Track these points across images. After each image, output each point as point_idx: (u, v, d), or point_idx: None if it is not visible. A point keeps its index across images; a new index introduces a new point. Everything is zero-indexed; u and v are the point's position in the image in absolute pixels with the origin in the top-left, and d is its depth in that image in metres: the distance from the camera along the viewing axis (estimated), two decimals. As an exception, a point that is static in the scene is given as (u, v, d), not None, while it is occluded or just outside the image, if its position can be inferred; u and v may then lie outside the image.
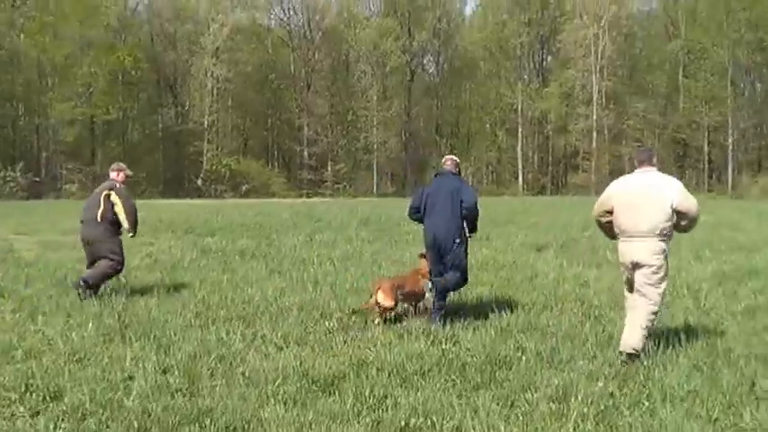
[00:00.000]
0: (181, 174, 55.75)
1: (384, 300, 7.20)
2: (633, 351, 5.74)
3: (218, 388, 4.92)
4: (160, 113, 57.95)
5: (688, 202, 5.95)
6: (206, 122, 54.80)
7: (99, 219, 8.72)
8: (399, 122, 60.84)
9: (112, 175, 9.25)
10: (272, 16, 62.30)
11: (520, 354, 5.76)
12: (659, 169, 6.29)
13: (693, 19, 61.21)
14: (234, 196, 50.02)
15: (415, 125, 63.33)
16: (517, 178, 61.11)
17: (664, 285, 6.04)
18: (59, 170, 50.64)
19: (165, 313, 7.39)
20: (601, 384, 4.86)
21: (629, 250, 5.98)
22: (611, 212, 6.18)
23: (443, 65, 64.73)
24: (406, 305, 7.75)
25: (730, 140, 58.01)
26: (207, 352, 5.77)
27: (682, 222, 6.03)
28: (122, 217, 8.78)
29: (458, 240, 7.37)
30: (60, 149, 51.00)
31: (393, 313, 7.38)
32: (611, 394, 4.71)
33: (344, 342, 6.22)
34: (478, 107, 63.48)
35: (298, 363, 5.47)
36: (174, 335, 6.37)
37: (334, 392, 4.84)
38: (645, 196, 5.97)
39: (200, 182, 53.77)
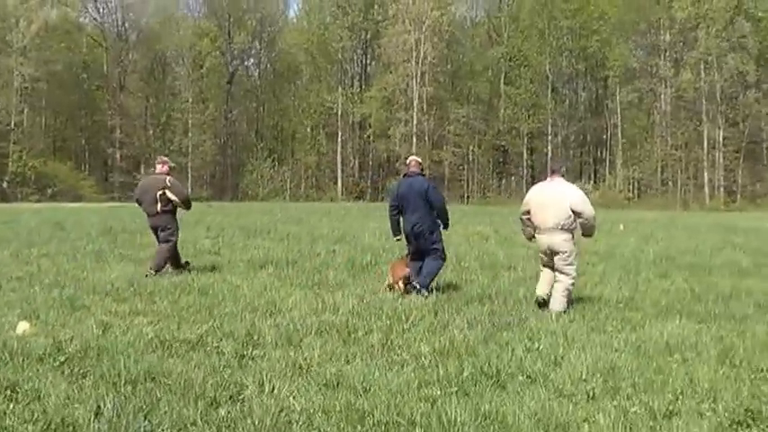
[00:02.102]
0: (-15, 176, 66.82)
1: (400, 273, 12.10)
2: (560, 312, 10.36)
3: None
4: (-38, 113, 69.71)
5: (583, 205, 10.58)
6: (12, 123, 67.99)
7: (160, 211, 13.81)
8: (218, 125, 78.18)
9: (158, 167, 14.28)
10: (86, 15, 78.26)
11: None
12: (565, 178, 11.03)
13: (516, 26, 79.86)
14: (40, 200, 60.81)
15: (234, 128, 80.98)
16: (336, 183, 78.12)
17: (575, 264, 10.90)
18: None
19: None
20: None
21: (544, 241, 10.77)
22: (529, 212, 10.99)
23: (265, 68, 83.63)
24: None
25: (549, 147, 77.98)
26: None
27: (579, 220, 10.63)
28: (182, 206, 14.10)
29: (432, 230, 12.01)
30: None
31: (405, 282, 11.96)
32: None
33: None
34: (300, 110, 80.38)
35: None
36: None
37: None
38: (551, 199, 10.65)
39: (5, 184, 66.76)
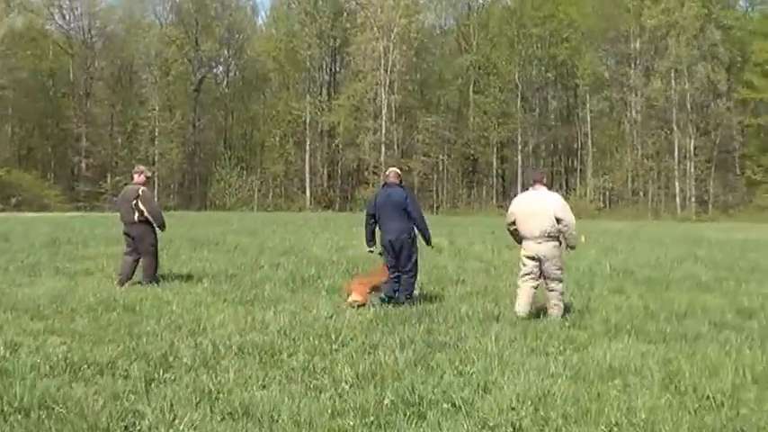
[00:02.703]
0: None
1: (357, 297, 11.79)
2: (560, 318, 10.76)
3: None
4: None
5: (563, 211, 10.82)
6: (-24, 131, 67.22)
7: (137, 221, 13.85)
8: (185, 133, 77.23)
9: (135, 177, 14.29)
10: (52, 22, 77.16)
11: None
12: (548, 187, 11.53)
13: (485, 34, 79.67)
14: (4, 209, 58.31)
15: (201, 136, 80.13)
16: (305, 192, 77.13)
17: (563, 269, 11.24)
18: None
19: None
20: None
21: (534, 248, 10.88)
22: (515, 222, 11.13)
23: (234, 75, 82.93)
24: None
25: (520, 157, 77.70)
26: None
27: (560, 226, 10.79)
28: (151, 220, 13.96)
29: (409, 239, 11.99)
30: None
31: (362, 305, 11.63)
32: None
33: None
34: (269, 119, 79.89)
35: None
36: None
37: None
38: (536, 209, 10.86)
39: (-32, 194, 65.33)
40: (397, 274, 12.18)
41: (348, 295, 12.15)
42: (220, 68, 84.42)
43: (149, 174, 14.77)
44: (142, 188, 14.01)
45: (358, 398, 7.01)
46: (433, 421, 6.45)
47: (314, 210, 71.06)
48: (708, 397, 7.20)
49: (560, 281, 11.21)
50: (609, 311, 11.54)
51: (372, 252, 12.69)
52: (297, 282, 14.07)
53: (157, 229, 14.26)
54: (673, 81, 69.55)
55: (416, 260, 12.35)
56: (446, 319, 10.79)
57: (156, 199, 15.21)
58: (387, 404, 6.85)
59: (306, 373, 7.97)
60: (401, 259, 12.11)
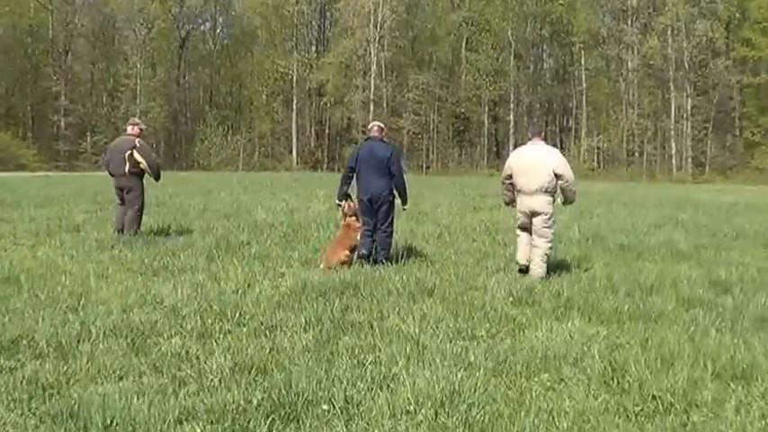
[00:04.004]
0: None
1: (342, 257, 11.28)
2: (541, 278, 10.46)
3: None
4: None
5: (564, 167, 10.68)
6: (-49, 90, 66.78)
7: (128, 173, 13.55)
8: (169, 91, 75.72)
9: (129, 129, 14.05)
10: None
11: None
12: (546, 141, 11.20)
13: None
14: None
15: (187, 95, 78.61)
16: (291, 152, 75.54)
17: (554, 227, 10.99)
18: None
19: None
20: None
21: (527, 203, 10.71)
22: (511, 176, 11.00)
23: (220, 32, 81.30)
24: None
25: (512, 116, 75.85)
26: None
27: (560, 182, 10.66)
28: (149, 171, 13.76)
29: (389, 197, 11.53)
30: None
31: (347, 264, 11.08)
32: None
33: None
34: (255, 77, 78.21)
35: None
36: None
37: None
38: (534, 163, 10.73)
39: (-60, 154, 67.51)
40: (370, 231, 11.68)
41: (327, 261, 11.35)
42: (207, 25, 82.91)
43: (143, 126, 14.62)
44: (138, 140, 13.81)
45: (221, 396, 5.74)
46: (301, 428, 5.24)
47: (301, 170, 69.03)
48: (654, 397, 5.91)
49: (547, 239, 10.88)
50: (564, 284, 10.15)
51: (341, 207, 12.08)
52: (221, 248, 12.66)
53: (152, 179, 14.18)
54: (670, 39, 67.65)
55: (393, 218, 11.90)
56: (372, 293, 9.41)
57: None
58: (255, 404, 5.59)
59: (177, 360, 6.68)
60: (379, 217, 11.65)
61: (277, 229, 15.14)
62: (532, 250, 10.95)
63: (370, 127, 12.40)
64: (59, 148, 71.52)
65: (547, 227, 10.83)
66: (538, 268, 10.80)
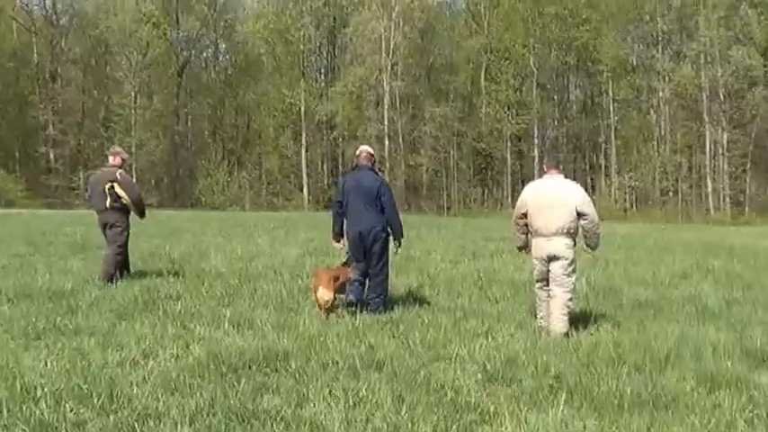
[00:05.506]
0: None
1: (324, 294, 10.44)
2: (563, 334, 9.54)
3: None
4: None
5: (589, 206, 9.83)
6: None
7: (109, 207, 13.16)
8: (168, 122, 74.42)
9: (110, 159, 13.72)
10: None
11: None
12: (564, 175, 10.28)
13: (497, 13, 75.99)
14: None
15: (187, 127, 77.20)
16: (302, 190, 73.22)
17: (575, 275, 10.06)
18: None
19: None
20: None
21: (545, 246, 9.77)
22: (525, 215, 10.04)
23: (222, 60, 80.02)
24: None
25: (536, 152, 73.37)
26: None
27: (583, 222, 9.79)
28: (131, 208, 13.39)
29: (382, 233, 10.92)
30: None
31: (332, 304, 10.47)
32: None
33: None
34: (261, 108, 76.83)
35: None
36: None
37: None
38: (555, 200, 9.79)
39: None
40: (360, 275, 11.04)
41: (315, 291, 10.75)
42: (208, 51, 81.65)
43: (126, 156, 14.13)
44: (120, 171, 13.37)
45: None
46: None
47: (313, 209, 67.69)
48: None
49: (567, 289, 9.85)
50: (555, 355, 8.41)
51: (343, 247, 11.56)
52: (140, 303, 10.98)
53: (136, 217, 13.67)
54: (703, 66, 65.81)
55: (388, 259, 11.23)
56: (303, 367, 7.68)
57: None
58: None
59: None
60: (371, 257, 10.99)
61: (224, 280, 13.46)
62: (550, 303, 9.91)
63: (358, 153, 11.67)
64: (50, 182, 70.17)
65: (566, 274, 9.84)
66: (559, 323, 9.75)
